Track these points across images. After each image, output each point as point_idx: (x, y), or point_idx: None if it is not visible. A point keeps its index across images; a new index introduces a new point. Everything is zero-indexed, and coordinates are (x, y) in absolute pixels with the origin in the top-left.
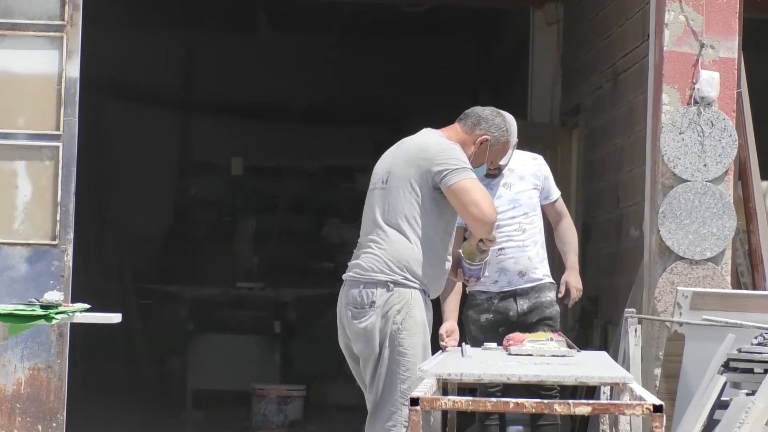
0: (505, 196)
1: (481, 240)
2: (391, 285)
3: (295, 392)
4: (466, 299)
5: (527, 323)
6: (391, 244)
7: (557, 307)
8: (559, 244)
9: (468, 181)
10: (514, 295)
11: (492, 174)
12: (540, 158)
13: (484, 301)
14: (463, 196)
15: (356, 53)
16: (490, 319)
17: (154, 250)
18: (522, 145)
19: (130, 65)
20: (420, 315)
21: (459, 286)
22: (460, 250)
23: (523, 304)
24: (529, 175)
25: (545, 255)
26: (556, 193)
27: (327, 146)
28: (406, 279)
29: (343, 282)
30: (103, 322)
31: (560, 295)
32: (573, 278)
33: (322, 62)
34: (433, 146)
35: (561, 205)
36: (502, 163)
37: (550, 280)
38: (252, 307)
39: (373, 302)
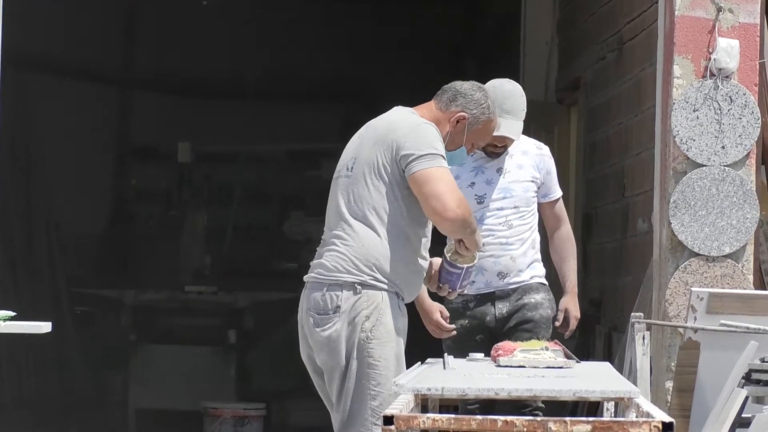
0: (496, 184)
1: (459, 241)
2: (359, 287)
3: (254, 412)
4: (441, 303)
5: (505, 330)
6: (358, 239)
7: (544, 312)
8: (556, 258)
9: (435, 170)
10: (493, 298)
11: (496, 153)
12: (546, 149)
13: (459, 305)
14: (424, 187)
15: (322, 20)
16: (466, 326)
17: (91, 249)
18: None
19: (59, 35)
20: (392, 321)
21: None
22: (445, 249)
23: (501, 308)
24: (529, 165)
25: (538, 258)
26: (557, 192)
27: (289, 128)
28: (376, 280)
29: (305, 284)
30: (32, 332)
31: (557, 323)
32: (573, 305)
33: (281, 31)
34: (402, 126)
35: (561, 208)
36: (506, 135)
37: (541, 281)
38: (203, 314)
39: (338, 307)
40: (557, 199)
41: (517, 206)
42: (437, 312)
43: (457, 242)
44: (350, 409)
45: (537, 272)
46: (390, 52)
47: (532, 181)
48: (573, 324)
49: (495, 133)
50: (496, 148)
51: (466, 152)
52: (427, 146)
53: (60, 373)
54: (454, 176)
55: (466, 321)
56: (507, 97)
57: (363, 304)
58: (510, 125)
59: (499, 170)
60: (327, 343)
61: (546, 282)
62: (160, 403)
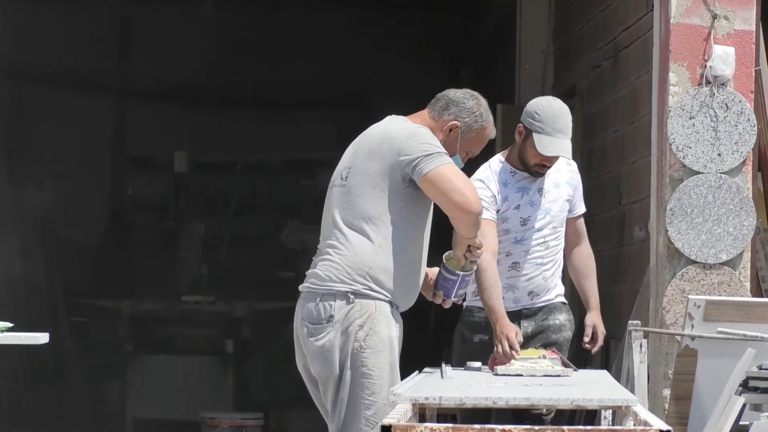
0: (538, 205)
1: (468, 249)
2: (352, 296)
3: (251, 421)
4: (460, 314)
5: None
6: (351, 249)
7: (567, 333)
8: (576, 274)
9: (446, 167)
10: (519, 316)
11: (541, 172)
12: (574, 165)
13: (482, 319)
14: (442, 184)
15: (317, 29)
16: (485, 341)
17: (87, 260)
18: (510, 133)
19: (55, 45)
20: (386, 330)
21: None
22: (444, 255)
23: (527, 327)
24: (563, 183)
25: (560, 273)
26: (581, 208)
27: (285, 137)
28: (370, 289)
29: (300, 294)
30: (29, 343)
31: (587, 339)
32: (599, 321)
33: (277, 40)
34: (399, 133)
35: (582, 224)
36: (561, 154)
37: (563, 300)
38: (200, 324)
39: (332, 316)
40: (581, 215)
41: (554, 226)
42: (513, 332)
43: (468, 250)
44: (345, 418)
45: (560, 290)
46: (386, 60)
47: (567, 200)
48: (601, 340)
49: (549, 153)
50: (543, 168)
51: (460, 160)
52: (428, 146)
53: (57, 383)
54: (503, 197)
55: (487, 337)
56: (558, 116)
57: (356, 314)
58: (564, 145)
59: (540, 190)
60: (321, 352)
61: (566, 301)
62: (158, 413)
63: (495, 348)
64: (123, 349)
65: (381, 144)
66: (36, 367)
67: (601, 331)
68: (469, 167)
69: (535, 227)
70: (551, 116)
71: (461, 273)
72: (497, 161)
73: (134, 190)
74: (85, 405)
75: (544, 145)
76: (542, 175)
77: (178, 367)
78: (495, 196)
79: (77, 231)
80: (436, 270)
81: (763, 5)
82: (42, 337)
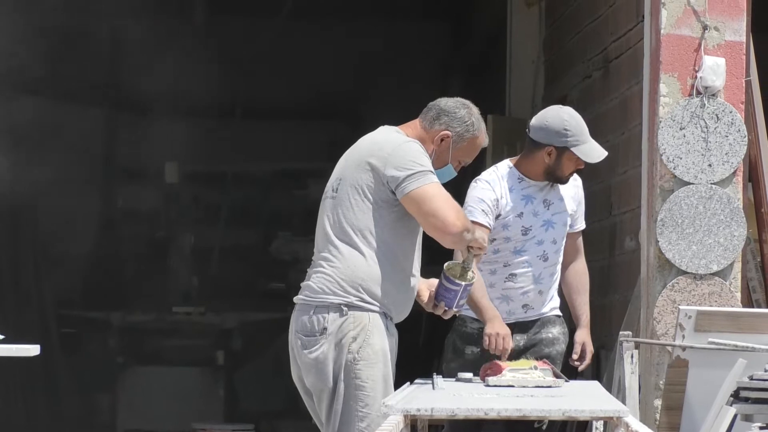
0: (541, 216)
1: (470, 247)
2: (345, 308)
3: None
4: (453, 323)
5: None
6: (344, 261)
7: (560, 347)
8: (569, 290)
9: (428, 187)
10: (512, 329)
11: (568, 180)
12: (579, 180)
13: (475, 330)
14: (422, 205)
15: (309, 39)
16: (477, 354)
17: (78, 271)
18: (500, 143)
19: (43, 55)
20: (379, 342)
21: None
22: (445, 265)
23: (519, 341)
24: (568, 197)
25: (557, 287)
26: (582, 224)
27: (276, 148)
28: (363, 301)
29: (294, 306)
30: (20, 355)
31: (575, 356)
32: (589, 340)
33: (269, 50)
34: (388, 145)
35: (581, 240)
36: (602, 156)
37: (557, 313)
38: (191, 335)
39: (325, 329)
40: (580, 231)
41: (555, 240)
42: (508, 343)
43: (468, 250)
44: (338, 430)
45: (555, 303)
46: (377, 70)
47: (570, 215)
48: (589, 358)
49: (598, 158)
50: (574, 173)
51: (453, 169)
52: (414, 164)
53: (48, 395)
54: (506, 202)
55: (479, 349)
56: (581, 122)
57: (350, 326)
58: (599, 146)
59: (545, 202)
60: (314, 365)
61: (561, 313)
62: (149, 424)
63: (485, 342)
64: (114, 360)
65: (371, 155)
66: (27, 379)
67: (590, 350)
68: (462, 175)
69: (536, 239)
70: (578, 125)
71: (463, 283)
72: (505, 166)
73: (125, 200)
74: (77, 417)
75: (587, 153)
76: (566, 181)
77: (169, 379)
78: (498, 200)
79: (68, 242)
80: (434, 281)
81: (753, 16)
82: (33, 349)
